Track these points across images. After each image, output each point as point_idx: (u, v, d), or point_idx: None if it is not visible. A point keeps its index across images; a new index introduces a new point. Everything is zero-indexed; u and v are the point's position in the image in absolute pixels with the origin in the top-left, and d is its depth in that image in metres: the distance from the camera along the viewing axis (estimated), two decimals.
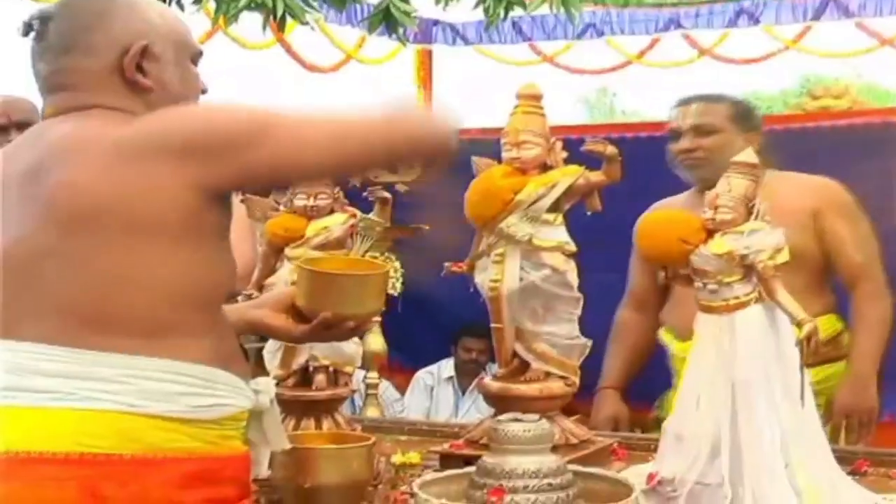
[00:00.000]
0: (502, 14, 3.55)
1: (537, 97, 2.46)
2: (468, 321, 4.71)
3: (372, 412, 3.35)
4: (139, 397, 1.55)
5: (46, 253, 1.57)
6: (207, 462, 1.60)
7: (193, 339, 1.60)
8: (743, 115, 3.15)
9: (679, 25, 6.90)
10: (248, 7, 3.18)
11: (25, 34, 1.74)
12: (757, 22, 6.73)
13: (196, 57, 1.80)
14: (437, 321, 5.00)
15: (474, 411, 4.90)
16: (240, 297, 2.47)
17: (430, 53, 7.25)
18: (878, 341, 3.02)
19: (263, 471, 1.88)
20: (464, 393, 5.06)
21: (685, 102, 3.18)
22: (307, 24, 3.42)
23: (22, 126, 2.89)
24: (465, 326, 4.89)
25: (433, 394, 5.08)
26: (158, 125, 1.61)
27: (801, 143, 3.88)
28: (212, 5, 3.33)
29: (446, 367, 5.11)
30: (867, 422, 2.99)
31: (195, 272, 1.60)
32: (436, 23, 6.94)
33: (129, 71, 1.69)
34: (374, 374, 3.40)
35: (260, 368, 2.57)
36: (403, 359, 4.90)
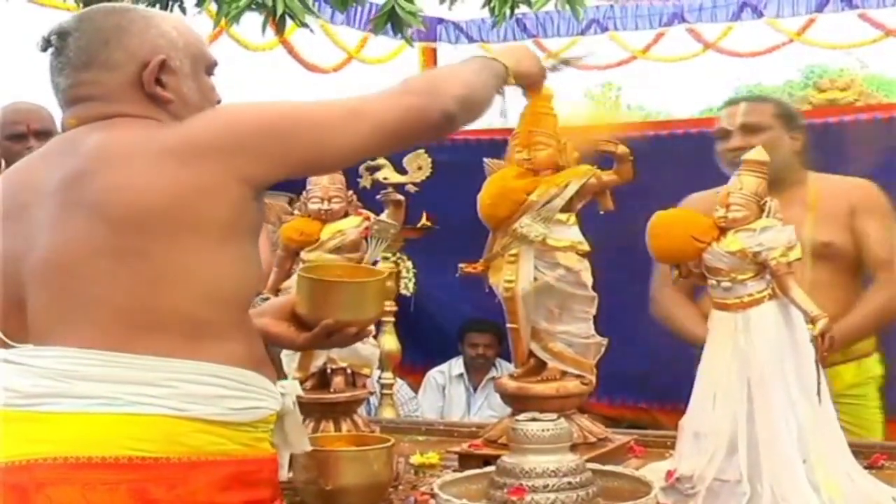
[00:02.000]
0: (508, 13, 3.54)
1: (548, 98, 2.48)
2: (472, 317, 4.75)
3: (387, 412, 3.37)
4: (183, 401, 1.58)
5: (97, 254, 1.60)
6: (245, 464, 1.64)
7: (228, 341, 1.64)
8: (788, 114, 3.24)
9: (683, 19, 6.91)
10: (248, 7, 3.18)
11: (44, 50, 1.76)
12: (760, 15, 6.72)
13: (211, 68, 1.83)
14: (446, 319, 5.03)
15: (486, 408, 4.92)
16: (256, 300, 2.49)
17: (434, 52, 7.26)
18: (866, 319, 3.08)
19: (284, 473, 1.90)
20: (475, 389, 5.08)
21: (733, 103, 3.27)
22: (306, 26, 3.42)
23: (40, 134, 2.91)
24: (468, 322, 4.92)
25: (445, 392, 5.10)
26: (205, 126, 1.68)
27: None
28: (213, 7, 3.35)
29: (456, 364, 5.13)
30: None
31: (233, 271, 1.65)
32: (440, 21, 6.95)
33: (149, 85, 1.72)
34: (388, 375, 3.43)
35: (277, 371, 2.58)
36: (416, 358, 4.92)
